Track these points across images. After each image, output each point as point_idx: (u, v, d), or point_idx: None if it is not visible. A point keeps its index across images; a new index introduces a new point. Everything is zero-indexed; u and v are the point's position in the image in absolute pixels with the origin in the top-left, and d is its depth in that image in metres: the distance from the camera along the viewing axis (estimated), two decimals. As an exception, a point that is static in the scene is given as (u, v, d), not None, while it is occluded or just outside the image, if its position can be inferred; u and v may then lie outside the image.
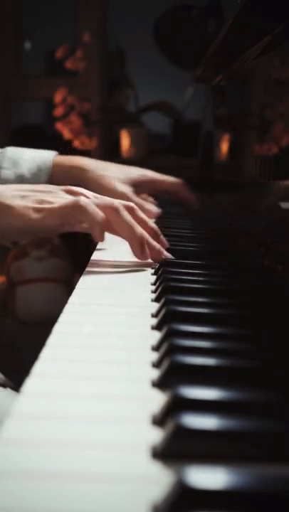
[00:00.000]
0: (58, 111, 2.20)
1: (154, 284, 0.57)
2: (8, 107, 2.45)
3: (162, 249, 0.65)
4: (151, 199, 1.06)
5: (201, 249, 0.71)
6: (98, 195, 0.66)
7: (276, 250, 0.68)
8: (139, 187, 0.97)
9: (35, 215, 0.62)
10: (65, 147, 2.21)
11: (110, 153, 2.40)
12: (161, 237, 0.68)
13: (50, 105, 2.27)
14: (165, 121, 2.57)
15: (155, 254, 0.64)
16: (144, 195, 1.03)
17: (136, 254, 0.63)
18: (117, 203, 0.64)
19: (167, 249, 0.67)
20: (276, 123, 0.72)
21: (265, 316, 0.48)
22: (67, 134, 2.20)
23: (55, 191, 0.65)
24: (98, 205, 0.63)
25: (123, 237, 0.63)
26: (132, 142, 2.31)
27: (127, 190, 0.93)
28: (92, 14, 2.31)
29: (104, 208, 0.63)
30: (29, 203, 0.63)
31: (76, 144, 2.22)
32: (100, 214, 0.62)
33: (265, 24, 0.69)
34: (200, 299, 0.49)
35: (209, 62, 1.01)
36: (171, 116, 2.39)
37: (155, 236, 0.66)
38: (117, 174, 0.94)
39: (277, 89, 0.73)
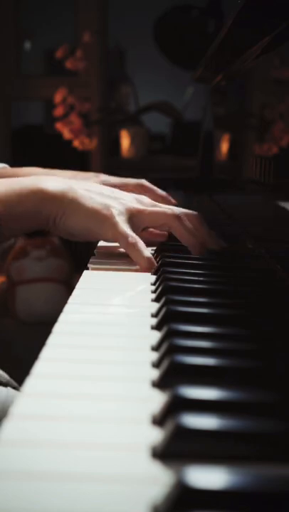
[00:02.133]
0: (58, 111, 2.20)
1: (154, 284, 0.57)
2: (8, 107, 2.45)
3: (217, 239, 0.70)
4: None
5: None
6: (157, 204, 0.70)
7: (276, 250, 0.68)
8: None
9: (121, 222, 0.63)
10: (65, 147, 2.21)
11: (110, 153, 2.40)
12: (218, 239, 0.71)
13: (50, 105, 2.27)
14: (165, 121, 2.57)
15: (213, 245, 0.69)
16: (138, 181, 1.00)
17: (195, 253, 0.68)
18: (178, 211, 0.67)
19: (167, 247, 0.68)
20: (276, 123, 0.72)
21: (265, 316, 0.48)
22: (67, 134, 2.20)
23: (121, 196, 0.67)
24: (159, 213, 0.67)
25: (183, 243, 0.67)
26: (132, 142, 2.31)
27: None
28: (92, 14, 2.31)
29: (166, 216, 0.66)
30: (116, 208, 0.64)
31: (76, 143, 2.22)
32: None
33: (265, 24, 0.69)
34: (200, 299, 0.49)
35: (209, 62, 1.01)
36: (171, 116, 2.39)
37: (212, 239, 0.70)
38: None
39: (277, 89, 0.73)
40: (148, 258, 0.62)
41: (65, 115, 2.21)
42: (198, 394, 0.31)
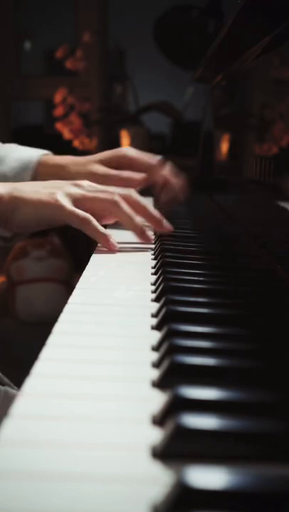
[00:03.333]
0: (58, 111, 2.20)
1: (154, 284, 0.57)
2: (8, 107, 2.45)
3: (163, 221, 0.75)
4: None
5: (201, 249, 0.71)
6: (99, 186, 0.72)
7: (276, 250, 0.68)
8: (116, 164, 0.94)
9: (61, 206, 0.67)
10: (65, 147, 2.21)
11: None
12: (164, 221, 0.75)
13: (50, 105, 2.27)
14: (165, 121, 2.57)
15: (158, 227, 0.75)
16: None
17: (140, 239, 0.72)
18: (117, 195, 0.70)
19: (167, 247, 0.68)
20: (276, 123, 0.72)
21: (265, 316, 0.48)
22: (67, 134, 2.20)
23: (63, 185, 0.71)
24: (99, 200, 0.70)
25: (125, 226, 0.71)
26: (132, 142, 2.31)
27: (100, 169, 0.92)
28: (92, 14, 2.31)
29: (104, 202, 0.70)
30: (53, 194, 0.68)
31: (76, 143, 2.22)
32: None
33: (265, 24, 0.69)
34: (200, 299, 0.49)
35: (209, 62, 1.01)
36: (171, 116, 2.39)
37: (156, 221, 0.74)
38: (91, 158, 0.95)
39: (276, 89, 0.73)
40: (104, 234, 0.67)
41: (65, 115, 2.21)
42: (198, 394, 0.31)
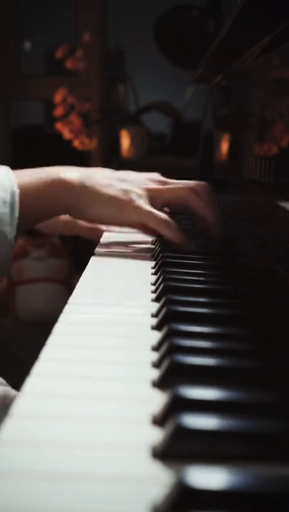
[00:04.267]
0: (58, 111, 2.20)
1: (154, 284, 0.57)
2: (8, 107, 2.45)
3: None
4: None
5: (200, 249, 0.71)
6: (167, 180, 0.73)
7: (276, 250, 0.68)
8: None
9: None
10: (65, 147, 2.21)
11: (110, 153, 2.40)
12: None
13: (50, 105, 2.27)
14: (165, 121, 2.57)
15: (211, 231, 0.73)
16: None
17: (211, 229, 0.71)
18: (194, 185, 0.70)
19: (167, 247, 0.68)
20: (276, 123, 0.72)
21: (265, 316, 0.48)
22: (67, 134, 2.20)
23: (138, 180, 0.69)
24: (176, 191, 0.69)
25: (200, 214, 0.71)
26: (132, 142, 2.31)
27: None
28: (92, 14, 2.31)
29: (183, 191, 0.70)
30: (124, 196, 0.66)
31: (76, 143, 2.22)
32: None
33: (265, 24, 0.69)
34: (200, 299, 0.49)
35: (209, 62, 1.01)
36: (171, 116, 2.39)
37: (214, 222, 0.73)
38: None
39: (277, 89, 0.73)
40: (182, 236, 0.66)
41: (65, 115, 2.21)
42: (198, 394, 0.31)
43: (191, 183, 0.71)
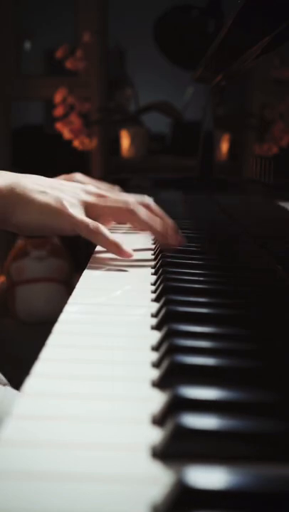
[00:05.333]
0: (58, 111, 2.20)
1: (154, 284, 0.57)
2: (8, 107, 2.45)
3: (178, 232, 0.69)
4: (117, 187, 1.00)
5: (200, 249, 0.71)
6: (109, 192, 0.69)
7: (276, 250, 0.68)
8: None
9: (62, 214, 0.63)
10: (65, 147, 2.21)
11: (110, 153, 2.40)
12: (179, 232, 0.70)
13: (50, 105, 2.27)
14: (165, 121, 2.57)
15: (171, 240, 0.68)
16: (110, 185, 0.97)
17: (165, 243, 0.68)
18: (132, 203, 0.66)
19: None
20: (276, 123, 0.72)
21: (265, 316, 0.48)
22: (67, 134, 2.20)
23: (72, 189, 0.66)
24: (112, 208, 0.66)
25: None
26: (132, 142, 2.31)
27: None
28: (92, 14, 2.31)
29: (119, 210, 0.66)
30: (51, 201, 0.63)
31: (76, 143, 2.22)
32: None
33: (265, 24, 0.69)
34: (200, 299, 0.49)
35: (209, 62, 1.01)
36: (171, 116, 2.39)
37: (171, 231, 0.69)
38: None
39: (276, 89, 0.73)
40: (115, 242, 0.62)
41: (65, 115, 2.21)
42: (198, 394, 0.31)
43: (130, 199, 0.67)
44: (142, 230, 0.68)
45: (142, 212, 0.66)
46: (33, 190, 0.62)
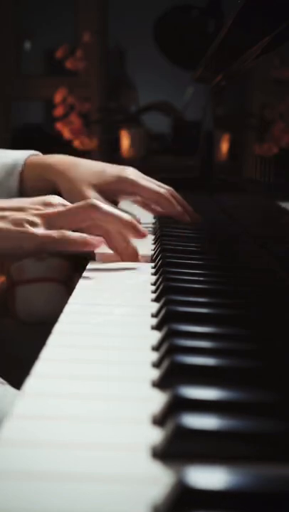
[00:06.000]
0: (58, 111, 2.20)
1: (154, 284, 0.57)
2: (8, 107, 2.45)
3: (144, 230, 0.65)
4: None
5: (200, 249, 0.71)
6: (67, 203, 0.64)
7: (276, 250, 0.68)
8: (114, 192, 0.87)
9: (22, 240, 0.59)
10: (65, 147, 2.21)
11: (110, 153, 2.40)
12: (139, 226, 0.65)
13: (50, 105, 2.27)
14: (165, 121, 2.57)
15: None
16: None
17: (132, 237, 0.64)
18: (93, 200, 0.63)
19: (167, 247, 0.68)
20: (276, 123, 0.72)
21: (265, 316, 0.48)
22: (67, 134, 2.20)
23: (27, 208, 0.62)
24: (74, 211, 0.62)
25: (112, 229, 0.63)
26: (132, 142, 2.31)
27: (94, 196, 0.83)
28: (92, 14, 2.31)
29: (81, 211, 0.62)
30: (9, 225, 0.59)
31: (76, 143, 2.22)
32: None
33: (265, 24, 0.69)
34: (200, 299, 0.49)
35: (209, 62, 1.01)
36: (171, 116, 2.39)
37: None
38: (88, 177, 0.86)
39: (277, 89, 0.73)
40: (86, 241, 0.58)
41: (65, 115, 2.21)
42: (198, 394, 0.31)
43: (81, 205, 0.62)
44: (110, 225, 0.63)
45: (103, 207, 0.62)
46: None
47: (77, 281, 0.57)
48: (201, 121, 1.41)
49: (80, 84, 2.29)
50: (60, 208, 0.62)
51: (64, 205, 0.63)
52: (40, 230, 0.59)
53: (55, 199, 0.64)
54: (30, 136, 2.61)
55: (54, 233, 0.59)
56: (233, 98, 1.09)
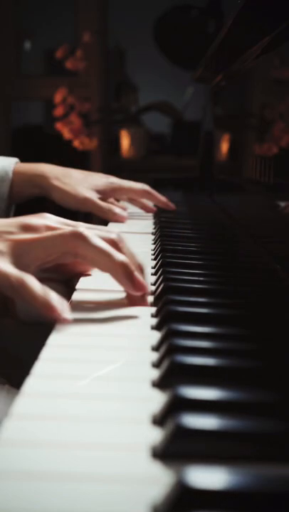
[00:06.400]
0: (58, 111, 2.20)
1: (154, 284, 0.57)
2: (8, 107, 2.45)
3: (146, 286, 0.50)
4: (122, 204, 1.06)
5: (200, 249, 0.71)
6: (63, 221, 0.52)
7: (276, 250, 0.68)
8: (105, 194, 0.96)
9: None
10: (65, 147, 2.21)
11: (110, 153, 2.40)
12: (136, 274, 0.50)
13: (50, 105, 2.27)
14: (165, 121, 2.57)
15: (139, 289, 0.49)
16: (112, 200, 1.01)
17: (125, 287, 0.49)
18: (86, 230, 0.49)
19: (167, 247, 0.68)
20: (276, 123, 0.72)
21: (265, 316, 0.48)
22: (67, 134, 2.20)
23: (10, 230, 0.50)
24: (54, 238, 0.49)
25: (102, 270, 0.50)
26: (132, 142, 2.31)
27: (92, 195, 0.92)
28: (92, 14, 2.31)
29: (62, 239, 0.49)
30: None
31: (76, 144, 2.22)
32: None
33: (265, 24, 0.69)
34: (200, 299, 0.49)
35: (209, 62, 1.01)
36: (171, 116, 2.39)
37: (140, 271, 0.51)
38: (80, 181, 0.94)
39: (277, 89, 0.73)
40: (45, 299, 0.44)
41: (65, 115, 2.21)
42: (198, 394, 0.31)
43: (66, 233, 0.48)
44: (96, 266, 0.50)
45: (96, 239, 0.49)
46: None
47: (77, 281, 0.57)
48: (201, 121, 1.41)
49: (80, 84, 2.29)
50: (40, 235, 0.49)
51: (53, 229, 0.50)
52: (4, 267, 0.46)
53: (45, 217, 0.52)
54: (30, 136, 2.61)
55: (13, 276, 0.45)
56: (233, 98, 1.09)
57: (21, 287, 0.44)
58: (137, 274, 0.49)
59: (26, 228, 0.50)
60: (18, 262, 0.47)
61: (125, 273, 0.48)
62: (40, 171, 0.92)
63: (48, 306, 0.44)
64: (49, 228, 0.50)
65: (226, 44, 0.84)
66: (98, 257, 0.48)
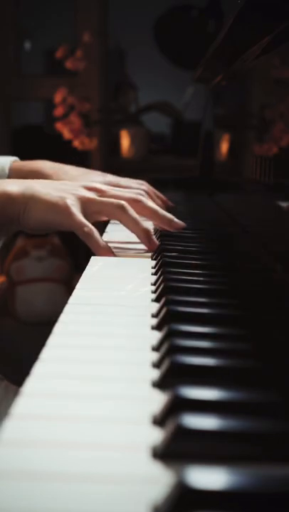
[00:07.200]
0: (58, 111, 2.20)
1: (154, 284, 0.57)
2: (8, 107, 2.45)
3: (173, 220, 0.77)
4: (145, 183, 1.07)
5: (201, 250, 0.71)
6: (109, 188, 0.75)
7: (276, 250, 0.68)
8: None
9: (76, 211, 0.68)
10: (65, 147, 2.21)
11: (110, 153, 2.40)
12: (175, 220, 0.77)
13: (50, 105, 2.27)
14: (165, 121, 2.57)
15: (170, 227, 0.77)
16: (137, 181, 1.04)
17: (145, 245, 0.71)
18: (125, 199, 0.71)
19: (167, 247, 0.68)
20: (276, 123, 0.72)
21: (265, 316, 0.48)
22: (67, 134, 2.20)
23: (75, 188, 0.71)
24: (105, 204, 0.70)
25: (131, 231, 0.71)
26: (132, 142, 2.31)
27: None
28: (92, 14, 2.31)
29: (110, 207, 0.70)
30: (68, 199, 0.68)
31: (76, 143, 2.21)
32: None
33: (265, 24, 0.69)
34: (200, 299, 0.49)
35: (209, 62, 1.01)
36: (171, 117, 2.39)
37: (167, 222, 0.77)
38: (76, 178, 0.95)
39: (277, 89, 0.73)
40: (105, 248, 0.67)
41: (65, 115, 2.21)
42: (198, 394, 0.31)
43: (126, 195, 0.74)
44: (130, 229, 0.71)
45: (131, 212, 0.70)
46: (40, 192, 0.69)
47: (77, 281, 0.57)
48: (201, 121, 1.41)
49: (80, 84, 2.29)
50: (97, 198, 0.70)
51: (101, 191, 0.73)
52: (77, 213, 0.67)
53: (97, 184, 0.75)
54: (30, 136, 2.61)
55: (86, 226, 0.66)
56: (233, 98, 1.09)
57: (91, 236, 0.66)
58: (153, 237, 0.71)
59: (90, 189, 0.72)
60: (84, 212, 0.68)
61: (146, 236, 0.71)
62: (36, 167, 0.95)
63: (107, 251, 0.67)
64: (100, 191, 0.73)
65: (226, 44, 0.84)
66: (132, 226, 0.70)
